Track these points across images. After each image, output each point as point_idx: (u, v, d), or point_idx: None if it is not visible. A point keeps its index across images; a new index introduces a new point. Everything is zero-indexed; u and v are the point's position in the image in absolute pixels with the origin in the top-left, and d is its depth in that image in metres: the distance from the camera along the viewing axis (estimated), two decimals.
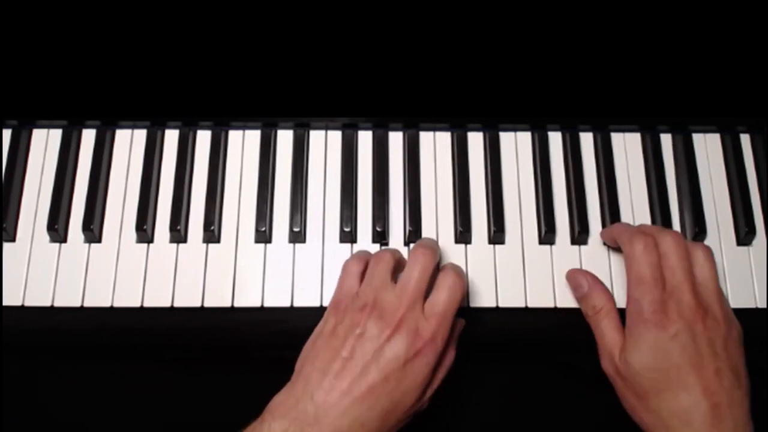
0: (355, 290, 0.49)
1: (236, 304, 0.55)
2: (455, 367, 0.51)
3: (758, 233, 0.58)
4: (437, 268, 0.50)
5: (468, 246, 0.57)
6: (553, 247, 0.57)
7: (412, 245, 0.57)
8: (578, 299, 0.54)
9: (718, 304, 0.49)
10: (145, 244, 0.57)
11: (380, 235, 0.57)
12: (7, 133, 0.59)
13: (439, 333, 0.47)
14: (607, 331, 0.51)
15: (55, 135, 0.60)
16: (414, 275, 0.48)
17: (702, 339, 0.47)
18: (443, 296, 0.48)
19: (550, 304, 0.55)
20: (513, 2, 0.60)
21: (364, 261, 0.51)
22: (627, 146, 0.61)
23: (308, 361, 0.47)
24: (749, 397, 0.48)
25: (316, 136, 0.60)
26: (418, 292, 0.48)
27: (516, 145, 0.60)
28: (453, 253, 0.57)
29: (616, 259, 0.57)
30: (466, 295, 0.54)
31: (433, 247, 0.50)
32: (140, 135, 0.60)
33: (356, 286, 0.50)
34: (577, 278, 0.54)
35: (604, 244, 0.57)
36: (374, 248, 0.57)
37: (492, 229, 0.57)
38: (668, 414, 0.47)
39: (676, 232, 0.52)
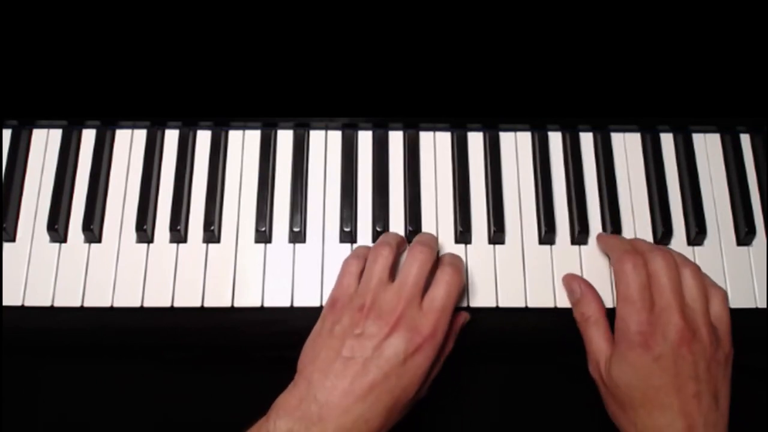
0: (353, 289, 0.50)
1: (236, 304, 0.55)
2: (455, 366, 0.51)
3: (758, 233, 0.58)
4: (437, 261, 0.50)
5: (468, 246, 0.57)
6: (553, 247, 0.57)
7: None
8: (571, 304, 0.55)
9: (705, 326, 0.49)
10: (145, 244, 0.57)
11: (380, 235, 0.57)
12: (7, 133, 0.59)
13: (439, 328, 0.47)
14: (594, 339, 0.52)
15: (55, 135, 0.60)
16: (412, 272, 0.48)
17: (685, 362, 0.47)
18: (441, 292, 0.48)
19: (550, 304, 0.55)
20: (513, 2, 0.60)
21: (364, 259, 0.51)
22: (627, 146, 0.61)
23: (309, 361, 0.47)
24: (726, 417, 0.48)
25: (316, 136, 0.60)
26: (416, 289, 0.48)
27: (516, 145, 0.60)
28: (453, 253, 0.57)
29: None
30: (465, 293, 0.55)
31: (431, 243, 0.51)
32: (140, 135, 0.60)
33: (354, 285, 0.50)
34: (570, 284, 0.55)
35: None
36: None
37: (492, 229, 0.57)
38: (644, 428, 0.48)
39: (668, 250, 0.52)
